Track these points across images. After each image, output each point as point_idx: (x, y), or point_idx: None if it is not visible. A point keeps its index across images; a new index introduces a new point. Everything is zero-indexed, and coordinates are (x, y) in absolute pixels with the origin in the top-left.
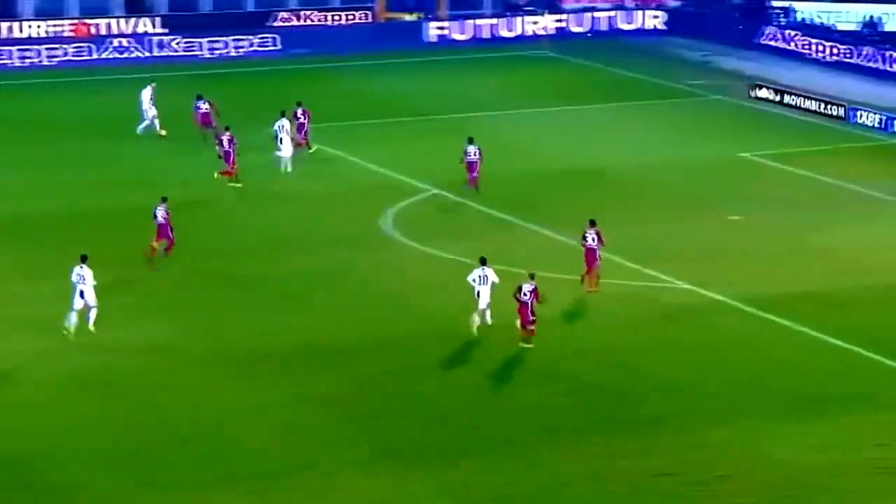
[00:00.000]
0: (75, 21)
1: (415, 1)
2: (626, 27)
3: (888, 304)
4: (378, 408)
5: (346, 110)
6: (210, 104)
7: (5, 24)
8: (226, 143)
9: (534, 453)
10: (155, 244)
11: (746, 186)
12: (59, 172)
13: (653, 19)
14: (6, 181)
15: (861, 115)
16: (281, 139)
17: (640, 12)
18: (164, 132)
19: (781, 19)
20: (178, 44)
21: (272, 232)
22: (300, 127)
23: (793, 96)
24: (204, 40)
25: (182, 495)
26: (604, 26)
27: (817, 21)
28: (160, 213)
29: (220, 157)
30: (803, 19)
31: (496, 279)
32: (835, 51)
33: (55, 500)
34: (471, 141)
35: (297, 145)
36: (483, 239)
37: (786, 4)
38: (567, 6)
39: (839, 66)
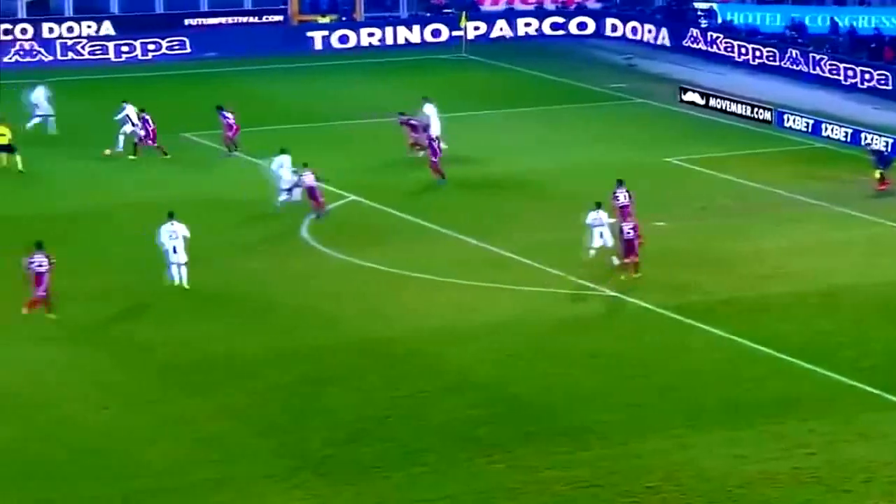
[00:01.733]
0: None
1: (329, 3)
2: (548, 31)
3: (815, 310)
4: (293, 421)
5: (258, 115)
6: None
7: None
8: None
9: (452, 466)
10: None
11: (672, 192)
12: None
13: (574, 23)
14: None
15: (789, 119)
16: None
17: (561, 17)
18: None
19: (704, 22)
20: (83, 47)
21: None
22: (229, 127)
23: (719, 100)
24: (111, 44)
25: None
26: (523, 30)
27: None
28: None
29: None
30: (728, 21)
31: (611, 220)
32: (759, 53)
33: None
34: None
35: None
36: (401, 246)
37: (708, 6)
38: (486, 9)
39: (764, 70)
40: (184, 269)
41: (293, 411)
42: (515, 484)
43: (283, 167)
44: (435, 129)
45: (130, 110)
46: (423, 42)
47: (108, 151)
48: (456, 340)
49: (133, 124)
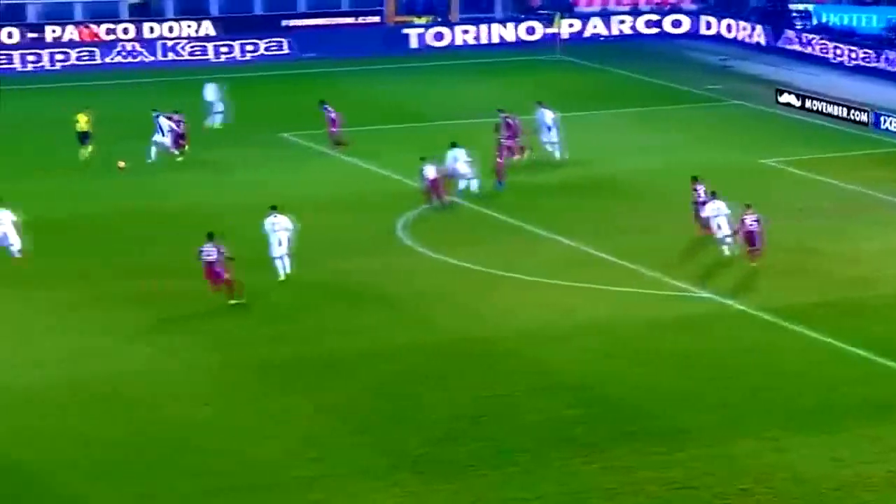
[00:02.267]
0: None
1: (425, 4)
2: (644, 31)
3: None
4: (389, 419)
5: (356, 115)
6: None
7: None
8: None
9: (547, 466)
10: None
11: (768, 193)
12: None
13: (669, 22)
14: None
15: (886, 121)
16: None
17: (656, 16)
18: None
19: (799, 23)
20: (183, 48)
21: None
22: (332, 123)
23: (816, 102)
24: (210, 45)
25: None
26: (617, 29)
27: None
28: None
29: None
30: (824, 23)
31: (729, 211)
32: (855, 55)
33: None
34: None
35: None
36: (496, 246)
37: (805, 8)
38: (581, 9)
39: (860, 71)
40: (287, 259)
41: (389, 410)
42: (611, 484)
43: (458, 160)
44: (544, 135)
45: (163, 121)
46: (518, 41)
47: (121, 164)
48: (551, 340)
49: (162, 134)
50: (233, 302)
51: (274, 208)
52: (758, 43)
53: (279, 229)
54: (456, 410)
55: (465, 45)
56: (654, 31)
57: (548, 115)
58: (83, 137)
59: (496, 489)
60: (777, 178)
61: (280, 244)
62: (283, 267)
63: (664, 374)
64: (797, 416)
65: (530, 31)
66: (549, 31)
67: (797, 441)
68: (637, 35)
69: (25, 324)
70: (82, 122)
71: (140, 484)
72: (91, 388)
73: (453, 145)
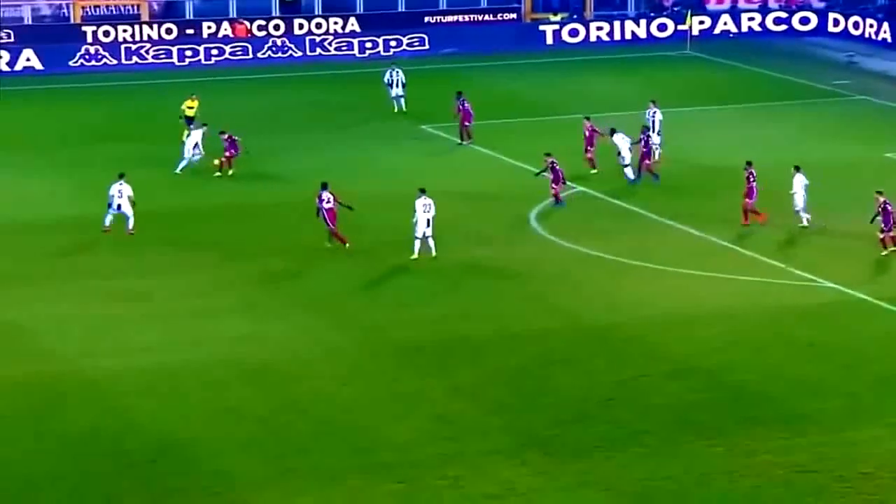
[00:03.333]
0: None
1: (560, 2)
2: (772, 27)
3: None
4: (521, 401)
5: (492, 109)
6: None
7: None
8: None
9: (672, 448)
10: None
11: (890, 187)
12: None
13: (797, 20)
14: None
15: None
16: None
17: (784, 13)
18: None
19: None
20: (330, 43)
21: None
22: (466, 115)
23: None
24: (355, 40)
25: (327, 483)
26: (746, 25)
27: None
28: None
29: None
30: None
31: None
32: None
33: (209, 486)
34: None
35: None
36: (624, 235)
37: None
38: (712, 7)
39: None
40: (431, 241)
41: (521, 392)
42: (734, 467)
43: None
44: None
45: (197, 134)
46: (650, 36)
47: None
48: (677, 327)
49: (195, 146)
50: (329, 245)
51: (423, 190)
52: (884, 40)
53: (427, 210)
54: (585, 393)
55: (599, 42)
56: (783, 27)
57: (657, 115)
58: (188, 121)
59: (624, 470)
60: None
61: (428, 224)
62: (429, 248)
63: (787, 362)
64: None
65: (662, 27)
66: (681, 27)
67: None
68: (766, 32)
69: (170, 308)
70: (187, 107)
71: (289, 459)
72: (240, 366)
73: (613, 131)
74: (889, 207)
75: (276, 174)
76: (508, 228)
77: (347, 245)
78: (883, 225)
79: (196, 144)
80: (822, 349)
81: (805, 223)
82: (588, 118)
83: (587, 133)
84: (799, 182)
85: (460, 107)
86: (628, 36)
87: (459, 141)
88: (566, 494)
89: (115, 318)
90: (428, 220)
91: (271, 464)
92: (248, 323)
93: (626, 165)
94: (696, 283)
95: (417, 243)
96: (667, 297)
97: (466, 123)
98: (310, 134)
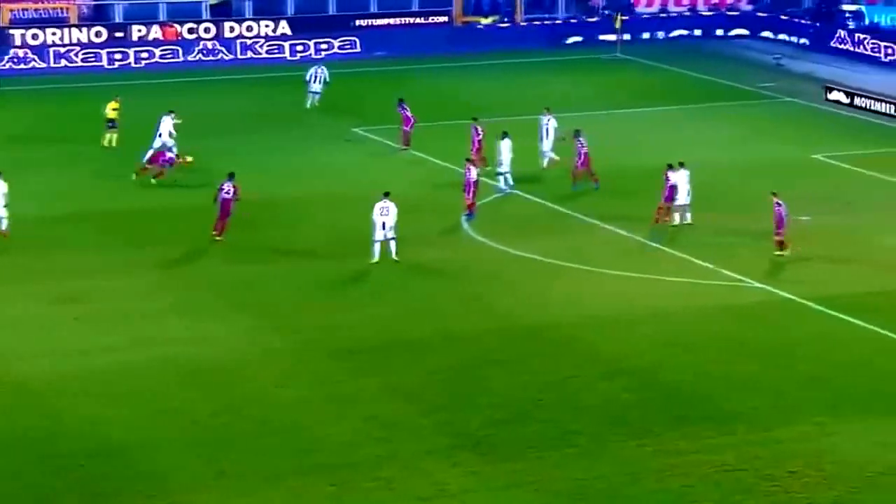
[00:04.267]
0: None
1: (490, 5)
2: (697, 31)
3: None
4: (455, 402)
5: (425, 111)
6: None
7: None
8: None
9: (603, 448)
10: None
11: (817, 187)
12: None
13: (726, 21)
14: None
15: None
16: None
17: (711, 15)
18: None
19: (851, 23)
20: (261, 46)
21: (353, 232)
22: (406, 121)
23: (865, 99)
24: (286, 43)
25: (261, 484)
26: (675, 31)
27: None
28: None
29: None
30: (875, 23)
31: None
32: None
33: (144, 489)
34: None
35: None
36: (559, 238)
37: (856, 8)
38: (640, 10)
39: None
40: (392, 244)
41: (456, 392)
42: (664, 466)
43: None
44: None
45: (167, 123)
46: (582, 39)
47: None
48: (610, 327)
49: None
50: (219, 238)
51: (387, 194)
52: (810, 42)
53: (387, 213)
54: (519, 393)
55: (530, 45)
56: (711, 30)
57: (552, 122)
58: (111, 124)
59: (554, 470)
60: (828, 173)
61: (384, 227)
62: (389, 249)
63: (717, 362)
64: (846, 403)
65: (592, 30)
66: (608, 38)
67: (846, 426)
68: (694, 35)
69: (107, 310)
70: (110, 109)
71: (226, 460)
72: (177, 368)
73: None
74: (778, 210)
75: (210, 176)
76: (442, 231)
77: (219, 238)
78: (776, 227)
79: (170, 133)
80: (750, 349)
81: (689, 220)
82: (476, 119)
83: (476, 136)
84: (682, 177)
85: (402, 113)
86: (558, 39)
87: (402, 146)
88: (497, 494)
89: (48, 319)
90: (384, 224)
91: (208, 465)
92: (186, 325)
93: (501, 174)
94: (629, 283)
95: (376, 246)
96: (600, 297)
97: (406, 129)
98: (242, 135)
